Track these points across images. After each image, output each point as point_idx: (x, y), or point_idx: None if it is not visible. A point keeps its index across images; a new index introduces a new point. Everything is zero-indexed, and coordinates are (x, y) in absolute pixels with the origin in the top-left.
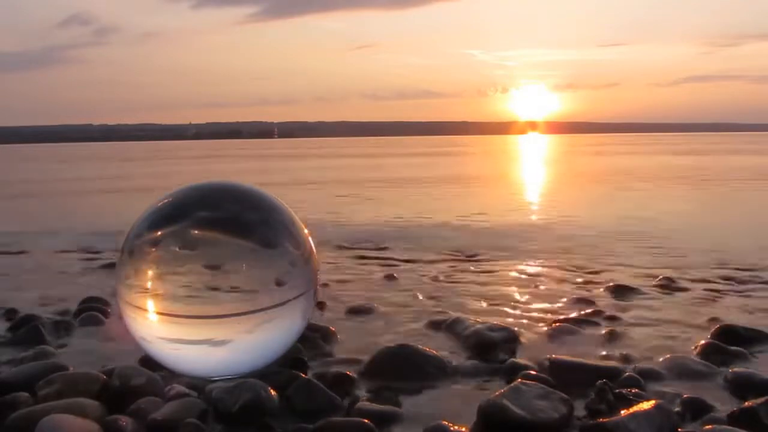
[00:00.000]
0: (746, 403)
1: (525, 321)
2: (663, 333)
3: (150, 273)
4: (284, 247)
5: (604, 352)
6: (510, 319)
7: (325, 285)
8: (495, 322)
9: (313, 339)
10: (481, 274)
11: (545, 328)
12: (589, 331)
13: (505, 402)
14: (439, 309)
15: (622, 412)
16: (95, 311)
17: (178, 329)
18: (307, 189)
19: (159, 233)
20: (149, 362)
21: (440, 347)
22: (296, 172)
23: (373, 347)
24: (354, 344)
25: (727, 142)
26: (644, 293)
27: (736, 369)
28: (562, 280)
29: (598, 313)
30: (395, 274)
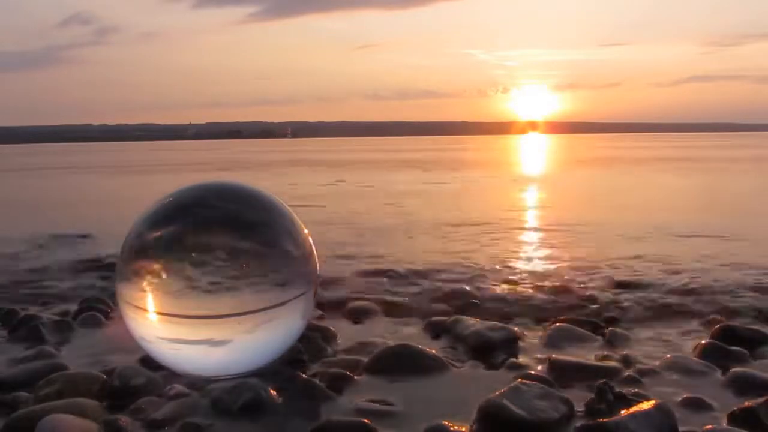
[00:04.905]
0: (746, 403)
1: (525, 320)
2: (663, 332)
3: (150, 273)
4: (284, 247)
5: (604, 352)
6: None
7: None
8: (495, 322)
9: (313, 339)
10: None
11: (545, 328)
12: (589, 330)
13: (505, 402)
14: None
15: (622, 412)
16: (95, 311)
17: (178, 329)
18: None
19: (159, 233)
20: (149, 362)
21: (440, 347)
22: None
23: (374, 347)
24: (354, 344)
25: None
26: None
27: (736, 369)
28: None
29: (598, 312)
30: None
